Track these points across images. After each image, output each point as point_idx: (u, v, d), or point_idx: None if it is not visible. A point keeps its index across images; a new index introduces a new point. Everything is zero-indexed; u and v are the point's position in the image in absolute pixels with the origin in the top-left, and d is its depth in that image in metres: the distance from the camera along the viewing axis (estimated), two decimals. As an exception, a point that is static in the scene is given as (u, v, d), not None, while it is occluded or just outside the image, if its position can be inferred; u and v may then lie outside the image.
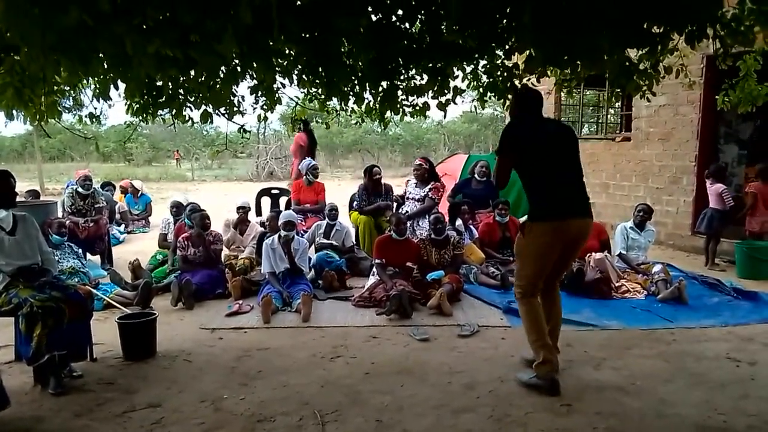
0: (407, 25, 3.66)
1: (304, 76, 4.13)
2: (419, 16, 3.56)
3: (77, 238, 6.90)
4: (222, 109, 4.31)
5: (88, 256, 7.35)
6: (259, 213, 8.65)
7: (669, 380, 3.78)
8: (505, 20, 3.49)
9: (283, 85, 4.17)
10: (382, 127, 4.75)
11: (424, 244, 6.06)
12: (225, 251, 6.94)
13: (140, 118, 4.47)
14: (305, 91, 4.55)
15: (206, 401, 3.48)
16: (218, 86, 3.68)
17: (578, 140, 3.83)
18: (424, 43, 3.73)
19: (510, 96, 4.21)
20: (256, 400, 3.50)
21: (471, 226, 7.14)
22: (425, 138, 34.04)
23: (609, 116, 11.73)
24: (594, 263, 6.03)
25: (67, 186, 8.00)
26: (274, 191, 8.92)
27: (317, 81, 4.14)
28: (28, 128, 26.70)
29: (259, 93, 4.04)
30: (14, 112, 3.80)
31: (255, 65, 3.56)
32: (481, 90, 4.41)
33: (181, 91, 4.13)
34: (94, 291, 5.52)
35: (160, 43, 2.78)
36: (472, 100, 5.12)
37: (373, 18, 3.42)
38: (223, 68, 3.59)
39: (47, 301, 3.63)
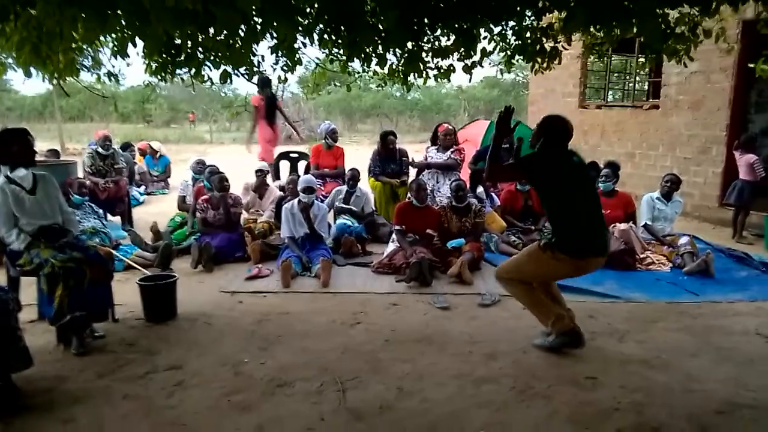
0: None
1: (325, 36, 4.00)
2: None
3: (98, 198, 6.91)
4: (242, 69, 4.21)
5: (109, 216, 7.38)
6: (277, 177, 8.59)
7: (695, 355, 3.70)
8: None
9: (304, 45, 4.05)
10: (405, 90, 4.61)
11: (445, 212, 5.97)
12: (244, 215, 6.91)
13: (159, 77, 4.38)
14: (326, 51, 4.42)
15: (227, 365, 3.48)
16: (238, 45, 3.56)
17: None
18: (451, 1, 3.57)
19: (540, 59, 4.04)
20: (275, 364, 3.49)
21: (492, 194, 7.03)
22: (444, 103, 33.54)
23: (636, 83, 11.38)
24: (618, 234, 5.90)
25: (90, 146, 7.99)
26: (292, 155, 8.84)
27: (339, 41, 4.01)
28: (48, 87, 26.78)
29: (280, 53, 3.91)
30: (32, 69, 3.73)
31: (276, 23, 3.44)
32: (509, 52, 4.24)
33: (200, 49, 4.03)
34: (115, 252, 5.55)
35: (179, -5, 2.67)
36: (498, 63, 4.96)
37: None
38: (243, 26, 3.48)
39: (68, 262, 3.62)
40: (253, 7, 3.07)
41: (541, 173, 3.60)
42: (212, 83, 4.42)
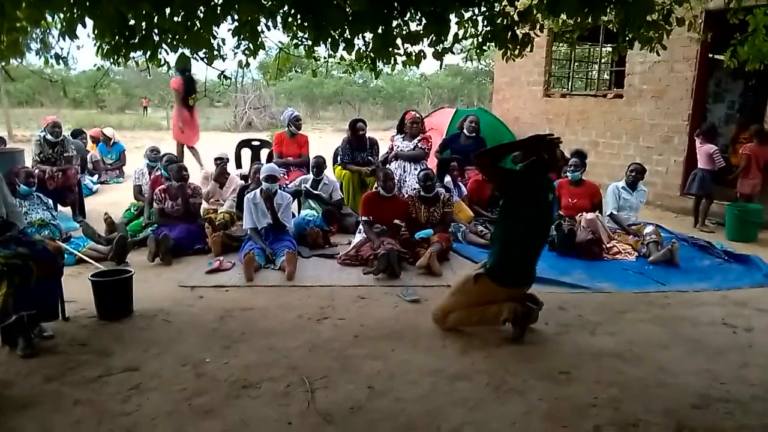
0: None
1: (290, 19, 3.80)
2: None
3: (46, 188, 6.54)
4: (201, 53, 3.98)
5: (59, 207, 7.01)
6: (238, 165, 8.32)
7: (667, 347, 3.69)
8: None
9: (268, 28, 3.85)
10: (374, 77, 4.44)
11: (413, 202, 5.84)
12: (204, 205, 6.66)
13: (111, 60, 4.10)
14: (291, 35, 4.21)
15: (187, 365, 3.29)
16: (197, 27, 3.34)
17: None
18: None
19: (511, 46, 3.93)
20: (240, 364, 3.32)
21: (460, 183, 6.94)
22: (408, 91, 33.38)
23: (599, 72, 11.46)
24: (585, 223, 5.90)
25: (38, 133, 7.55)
26: (254, 143, 8.57)
27: (305, 24, 3.82)
28: (-6, 71, 25.54)
29: (242, 36, 3.69)
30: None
31: (237, 5, 3.24)
32: (479, 39, 4.11)
33: (156, 31, 3.77)
34: (65, 246, 5.25)
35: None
36: (467, 50, 4.84)
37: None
38: (202, 7, 3.26)
39: (13, 258, 3.36)
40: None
41: (521, 194, 3.65)
42: (170, 67, 4.16)
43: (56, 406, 2.85)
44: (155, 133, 20.22)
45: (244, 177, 7.08)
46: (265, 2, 3.54)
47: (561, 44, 10.82)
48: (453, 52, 4.13)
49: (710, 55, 8.05)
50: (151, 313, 4.09)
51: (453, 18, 3.84)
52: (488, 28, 4.15)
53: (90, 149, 9.72)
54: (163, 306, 4.22)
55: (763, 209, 6.67)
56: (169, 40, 3.83)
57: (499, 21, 4.07)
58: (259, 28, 3.75)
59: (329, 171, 7.09)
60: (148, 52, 3.92)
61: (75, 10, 3.25)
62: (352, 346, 3.58)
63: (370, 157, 7.15)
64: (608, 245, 5.89)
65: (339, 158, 7.25)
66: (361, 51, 4.18)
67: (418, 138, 6.83)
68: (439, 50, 4.04)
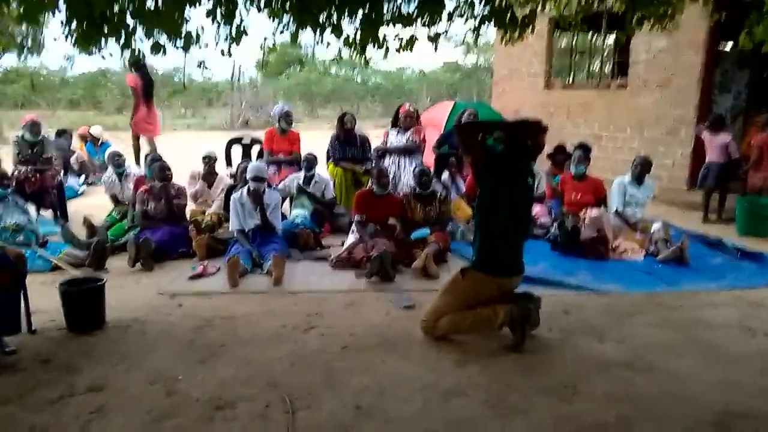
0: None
1: (273, 2, 3.53)
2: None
3: (25, 191, 6.27)
4: (179, 42, 3.69)
5: (41, 211, 6.74)
6: (229, 163, 8.04)
7: (680, 354, 3.40)
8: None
9: (247, 10, 3.57)
10: (364, 65, 4.15)
11: (408, 200, 5.55)
12: (191, 205, 6.39)
13: (82, 49, 3.82)
14: (274, 19, 3.92)
15: (157, 383, 3.01)
16: (164, 6, 3.06)
17: None
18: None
19: (511, 28, 3.64)
20: (215, 381, 3.03)
21: (458, 180, 6.65)
22: (406, 88, 32.97)
23: (602, 63, 11.16)
24: (590, 221, 5.61)
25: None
26: (245, 140, 8.28)
27: (288, 7, 3.54)
28: (-12, 72, 25.35)
29: (216, 18, 3.40)
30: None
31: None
32: (476, 21, 3.82)
33: (129, 16, 3.50)
34: (41, 251, 4.99)
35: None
36: (464, 36, 4.54)
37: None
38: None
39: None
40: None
41: (499, 176, 3.43)
42: (144, 56, 3.87)
43: (9, 433, 2.58)
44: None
45: (233, 176, 6.79)
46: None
47: (562, 35, 10.51)
48: (447, 36, 3.85)
49: (719, 46, 7.76)
50: (125, 323, 3.81)
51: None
52: (486, 9, 3.87)
53: (78, 149, 9.42)
54: (139, 315, 3.94)
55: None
56: (141, 26, 3.57)
57: (498, 1, 3.80)
58: (238, 11, 3.48)
59: (322, 168, 6.80)
60: (121, 40, 3.65)
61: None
62: (339, 359, 3.30)
63: (362, 154, 6.85)
64: (614, 244, 5.60)
65: (331, 155, 6.95)
66: (349, 37, 3.90)
67: (411, 131, 6.52)
68: (432, 35, 3.77)
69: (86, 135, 9.67)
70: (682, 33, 7.08)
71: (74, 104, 30.61)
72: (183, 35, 3.59)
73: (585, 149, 6.35)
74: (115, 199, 6.46)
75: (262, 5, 3.48)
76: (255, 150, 8.07)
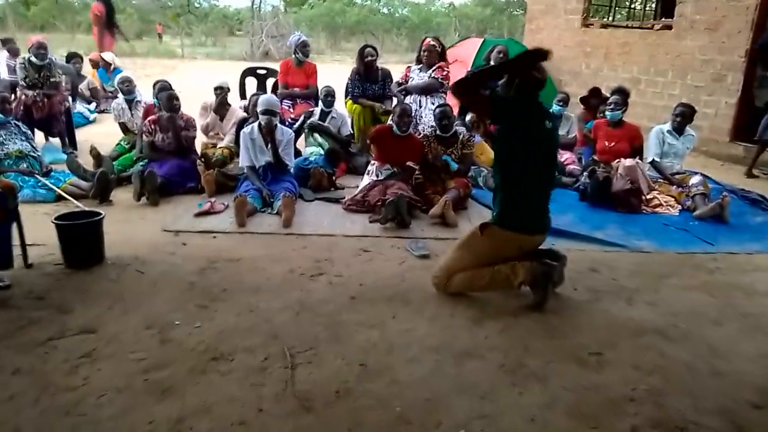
0: None
1: None
2: None
3: (32, 117, 6.06)
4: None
5: (50, 139, 6.54)
6: (242, 96, 7.71)
7: (718, 322, 3.12)
8: None
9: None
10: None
11: (429, 142, 5.21)
12: (202, 138, 6.12)
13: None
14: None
15: (153, 328, 2.83)
16: None
17: None
18: None
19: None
20: (214, 329, 2.85)
21: (484, 121, 6.25)
22: (434, 21, 31.76)
23: (644, 1, 10.38)
24: (624, 171, 5.22)
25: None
26: (260, 71, 7.90)
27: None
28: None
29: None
30: None
31: None
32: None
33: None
34: (44, 180, 4.80)
35: None
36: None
37: None
38: None
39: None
40: None
41: (512, 123, 3.09)
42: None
43: (-8, 376, 2.42)
44: (168, 61, 19.55)
45: (246, 109, 6.48)
46: None
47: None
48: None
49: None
50: (125, 261, 3.62)
51: None
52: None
53: (88, 75, 9.12)
54: (140, 253, 3.75)
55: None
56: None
57: None
58: None
59: (340, 104, 6.45)
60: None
61: None
62: (346, 310, 3.08)
63: (383, 91, 6.46)
64: (648, 196, 5.24)
65: (350, 91, 6.57)
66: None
67: (434, 68, 6.09)
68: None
69: (98, 60, 9.34)
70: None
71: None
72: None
73: (623, 94, 5.87)
74: (125, 128, 6.22)
75: None
76: (270, 82, 7.70)
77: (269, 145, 4.94)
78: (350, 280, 3.47)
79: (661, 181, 5.50)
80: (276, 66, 7.91)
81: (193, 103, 6.42)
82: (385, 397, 2.34)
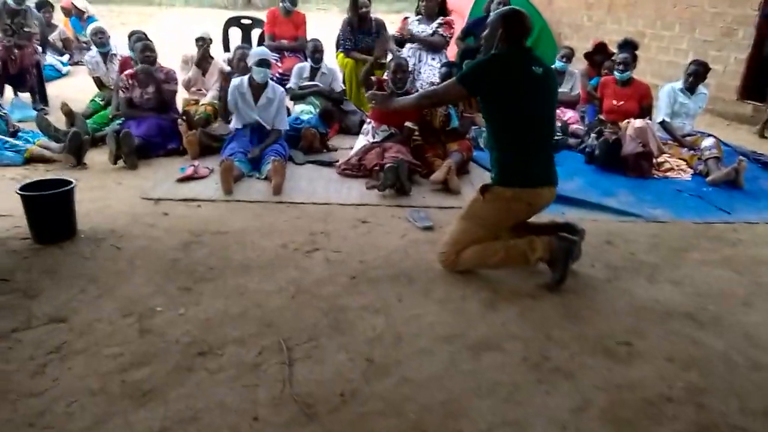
0: None
1: None
2: None
3: (8, 72, 5.60)
4: None
5: (18, 94, 6.06)
6: (226, 48, 7.20)
7: (748, 303, 2.89)
8: None
9: None
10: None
11: (429, 100, 4.83)
12: (184, 95, 5.69)
13: None
14: None
15: (131, 316, 2.52)
16: None
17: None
18: None
19: None
20: (200, 316, 2.55)
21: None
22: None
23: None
24: (634, 132, 4.91)
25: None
26: (244, 21, 7.37)
27: None
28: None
29: None
30: None
31: None
32: None
33: None
34: (11, 140, 4.39)
35: None
36: None
37: None
38: None
39: None
40: None
41: (487, 84, 2.84)
42: None
43: (-52, 377, 2.12)
44: (146, 8, 18.54)
45: (230, 62, 6.02)
46: None
47: None
48: None
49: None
50: (100, 234, 3.29)
51: None
52: None
53: (60, 24, 8.50)
54: (117, 225, 3.41)
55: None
56: None
57: None
58: None
59: (330, 58, 6.01)
60: None
61: None
62: (347, 293, 2.80)
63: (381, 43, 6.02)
64: (659, 160, 4.96)
65: (341, 44, 6.12)
66: None
67: (439, 22, 5.66)
68: None
69: (70, 8, 8.68)
70: None
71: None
72: None
73: (631, 49, 5.50)
74: (100, 83, 5.76)
75: None
76: (255, 33, 7.19)
77: (257, 103, 4.55)
78: (349, 256, 3.17)
79: (671, 143, 5.21)
80: (261, 15, 7.40)
81: (174, 56, 5.95)
82: (396, 401, 2.08)
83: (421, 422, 1.98)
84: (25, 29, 5.88)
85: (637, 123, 5.00)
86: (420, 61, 5.65)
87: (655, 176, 4.81)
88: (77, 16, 8.58)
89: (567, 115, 6.11)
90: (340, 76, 5.91)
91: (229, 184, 3.98)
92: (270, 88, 4.62)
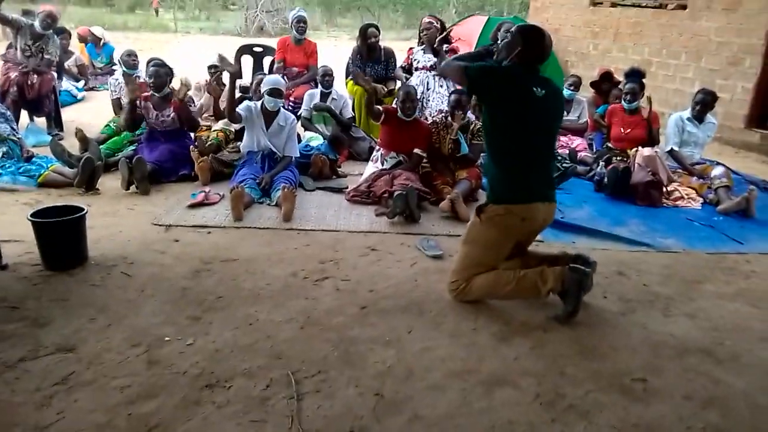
0: None
1: None
2: None
3: (24, 98, 5.69)
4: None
5: (35, 119, 6.12)
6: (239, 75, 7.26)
7: (765, 339, 2.84)
8: None
9: None
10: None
11: (437, 128, 4.85)
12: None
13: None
14: None
15: (139, 346, 2.51)
16: None
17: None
18: None
19: None
20: (209, 347, 2.53)
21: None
22: (431, -3, 31.01)
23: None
24: (643, 161, 4.91)
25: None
26: (257, 48, 7.46)
27: None
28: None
29: None
30: None
31: None
32: None
33: None
34: (25, 165, 4.43)
35: None
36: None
37: None
38: None
39: None
40: None
41: (487, 86, 2.88)
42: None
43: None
44: (161, 35, 18.89)
45: (243, 89, 6.08)
46: None
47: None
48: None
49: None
50: (110, 261, 3.28)
51: None
52: None
53: (76, 50, 8.64)
54: (128, 251, 3.41)
55: None
56: None
57: None
58: None
59: (340, 85, 6.06)
60: None
61: None
62: (357, 323, 2.77)
63: (386, 72, 6.09)
64: (669, 188, 4.94)
65: (351, 72, 6.18)
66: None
67: (445, 49, 5.70)
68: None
69: (86, 35, 8.82)
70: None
71: (86, 1, 29.25)
72: None
73: (639, 78, 5.51)
74: (119, 105, 5.80)
75: None
76: (267, 60, 7.27)
77: (269, 129, 4.58)
78: (359, 285, 3.16)
79: (680, 171, 5.20)
80: (271, 42, 7.49)
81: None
82: (408, 437, 2.04)
83: (433, 461, 1.94)
84: (46, 56, 5.98)
85: (646, 152, 5.00)
86: (428, 89, 5.69)
87: (665, 205, 4.78)
88: (93, 42, 8.72)
89: (575, 142, 6.10)
90: (350, 102, 5.95)
91: (239, 211, 3.99)
92: (282, 116, 4.66)
